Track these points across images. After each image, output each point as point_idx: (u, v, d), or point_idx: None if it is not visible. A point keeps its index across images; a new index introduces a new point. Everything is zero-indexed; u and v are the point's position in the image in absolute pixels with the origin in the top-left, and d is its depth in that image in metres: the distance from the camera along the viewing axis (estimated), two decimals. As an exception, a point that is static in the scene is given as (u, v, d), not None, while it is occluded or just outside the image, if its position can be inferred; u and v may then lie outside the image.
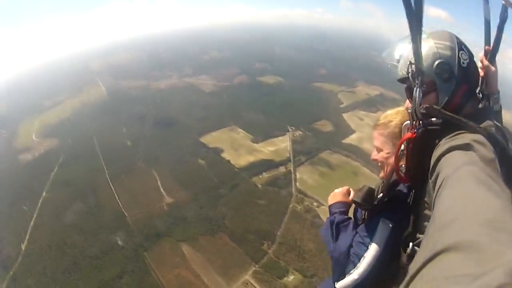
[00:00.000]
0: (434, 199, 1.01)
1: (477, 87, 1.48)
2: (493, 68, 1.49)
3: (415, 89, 1.34)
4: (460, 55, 1.39)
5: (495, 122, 1.32)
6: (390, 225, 1.59)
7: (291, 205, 39.94)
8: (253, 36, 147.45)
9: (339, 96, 73.11)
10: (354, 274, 1.62)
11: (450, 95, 1.40)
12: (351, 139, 55.08)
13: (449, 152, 1.12)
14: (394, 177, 1.63)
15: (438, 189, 1.01)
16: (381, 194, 1.68)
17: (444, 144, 1.19)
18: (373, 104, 68.66)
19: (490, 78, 1.48)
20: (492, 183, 0.90)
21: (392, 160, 1.68)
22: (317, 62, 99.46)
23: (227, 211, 37.20)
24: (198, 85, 77.42)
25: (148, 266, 29.97)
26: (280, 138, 53.58)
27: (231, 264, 31.37)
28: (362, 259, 1.62)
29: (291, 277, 32.17)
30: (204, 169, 44.39)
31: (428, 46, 1.42)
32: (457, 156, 1.08)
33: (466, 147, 1.10)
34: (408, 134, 1.35)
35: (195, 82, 79.29)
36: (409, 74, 1.39)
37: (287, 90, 73.01)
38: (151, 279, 28.86)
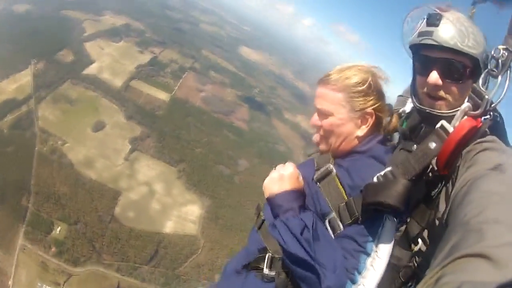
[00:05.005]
0: (459, 192, 0.97)
1: None
2: None
3: (500, 76, 1.12)
4: None
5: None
6: (395, 223, 1.26)
7: (36, 148, 38.50)
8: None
9: (84, 24, 68.73)
10: None
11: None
12: (91, 69, 54.80)
13: (485, 150, 1.06)
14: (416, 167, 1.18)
15: (467, 182, 0.97)
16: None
17: (479, 142, 1.11)
18: (117, 34, 67.40)
19: None
20: None
21: (345, 129, 1.37)
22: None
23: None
24: None
25: None
26: (23, 72, 48.98)
27: (1, 230, 29.52)
28: (364, 271, 1.25)
29: (58, 229, 31.92)
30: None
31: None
32: (494, 156, 1.03)
33: (503, 150, 1.07)
34: (473, 122, 1.12)
35: None
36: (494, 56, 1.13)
37: (35, 18, 65.17)
38: None
